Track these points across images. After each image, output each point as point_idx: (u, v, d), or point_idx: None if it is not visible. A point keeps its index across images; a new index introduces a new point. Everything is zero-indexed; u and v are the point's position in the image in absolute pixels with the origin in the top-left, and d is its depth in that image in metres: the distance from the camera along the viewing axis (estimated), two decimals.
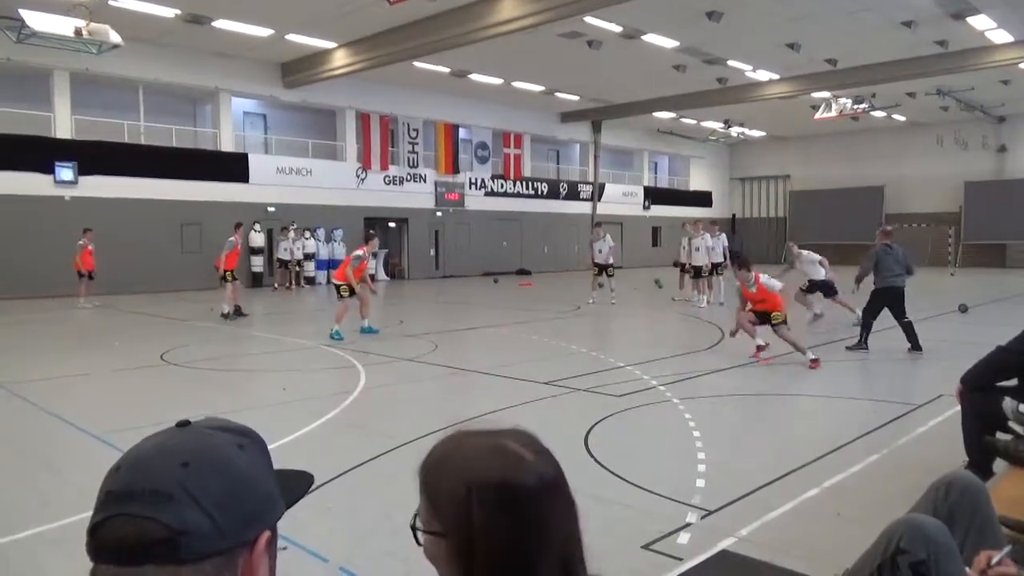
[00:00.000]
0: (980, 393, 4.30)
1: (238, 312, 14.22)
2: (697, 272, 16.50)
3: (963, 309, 14.31)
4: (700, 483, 4.58)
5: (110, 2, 16.02)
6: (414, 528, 1.04)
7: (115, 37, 14.53)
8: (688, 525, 3.92)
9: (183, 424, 0.81)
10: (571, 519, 1.04)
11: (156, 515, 0.71)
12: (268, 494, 0.82)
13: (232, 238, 14.40)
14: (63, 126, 19.58)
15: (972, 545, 2.20)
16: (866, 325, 9.92)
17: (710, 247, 16.41)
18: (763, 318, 9.04)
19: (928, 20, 18.49)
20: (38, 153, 18.88)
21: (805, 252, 13.27)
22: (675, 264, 18.73)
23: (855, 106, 26.30)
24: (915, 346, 9.70)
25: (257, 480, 0.80)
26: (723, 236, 17.27)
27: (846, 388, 7.76)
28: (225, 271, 14.16)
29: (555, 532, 1.00)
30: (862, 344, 9.85)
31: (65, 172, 19.24)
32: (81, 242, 16.67)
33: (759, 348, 9.22)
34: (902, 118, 32.19)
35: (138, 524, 0.71)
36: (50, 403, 6.92)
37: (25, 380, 8.07)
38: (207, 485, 0.74)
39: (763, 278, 9.13)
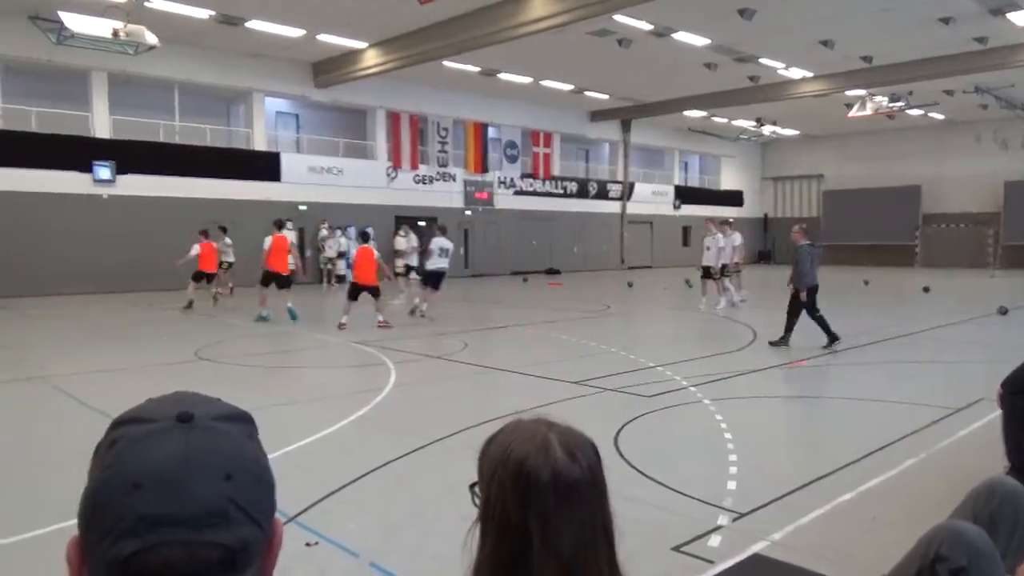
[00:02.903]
0: (1022, 397, 4.20)
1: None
2: (706, 272, 15.93)
3: (1003, 311, 13.99)
4: (731, 485, 4.54)
5: (146, 4, 16.30)
6: (472, 488, 1.14)
7: (151, 38, 14.80)
8: (719, 528, 3.88)
9: (186, 418, 0.71)
10: (585, 531, 1.06)
11: (214, 538, 0.67)
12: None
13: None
14: (101, 126, 19.98)
15: (1014, 553, 2.16)
16: (822, 321, 10.07)
17: (721, 247, 15.70)
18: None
19: (967, 16, 18.09)
20: (77, 152, 19.28)
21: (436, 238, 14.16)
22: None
23: (891, 104, 25.81)
24: (832, 338, 9.94)
25: (270, 469, 0.76)
26: (736, 235, 16.27)
27: (882, 391, 7.62)
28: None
29: (559, 533, 1.04)
30: (785, 341, 10.08)
31: (103, 171, 19.64)
32: None
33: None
34: (939, 116, 31.55)
35: (191, 549, 0.66)
36: (89, 397, 7.07)
37: (65, 374, 8.26)
38: (251, 493, 0.71)
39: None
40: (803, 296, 10.03)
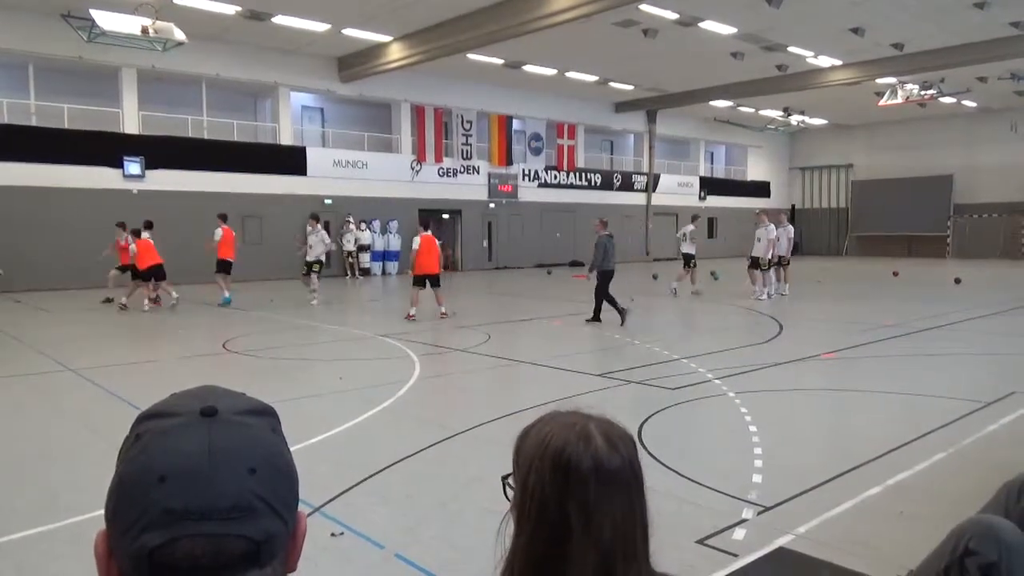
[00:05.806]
0: None
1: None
2: (755, 263, 16.03)
3: None
4: (757, 478, 4.50)
5: (175, 0, 16.48)
6: (504, 480, 1.14)
7: (179, 35, 14.98)
8: (744, 521, 3.86)
9: (210, 413, 0.72)
10: (624, 519, 1.06)
11: (239, 531, 0.68)
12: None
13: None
14: (131, 122, 20.28)
15: None
16: (611, 301, 11.67)
17: (772, 238, 15.80)
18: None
19: (1002, 0, 17.68)
20: (108, 148, 19.61)
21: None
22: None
23: (922, 92, 25.32)
24: (595, 318, 11.77)
25: (293, 463, 0.76)
26: (789, 227, 16.74)
27: (910, 384, 7.51)
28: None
29: (599, 520, 1.04)
30: (597, 319, 11.75)
31: (133, 166, 19.95)
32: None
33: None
34: (973, 104, 30.88)
35: (215, 541, 0.67)
36: (120, 389, 7.19)
37: (95, 366, 8.40)
38: (274, 486, 0.71)
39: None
40: (589, 277, 12.04)
